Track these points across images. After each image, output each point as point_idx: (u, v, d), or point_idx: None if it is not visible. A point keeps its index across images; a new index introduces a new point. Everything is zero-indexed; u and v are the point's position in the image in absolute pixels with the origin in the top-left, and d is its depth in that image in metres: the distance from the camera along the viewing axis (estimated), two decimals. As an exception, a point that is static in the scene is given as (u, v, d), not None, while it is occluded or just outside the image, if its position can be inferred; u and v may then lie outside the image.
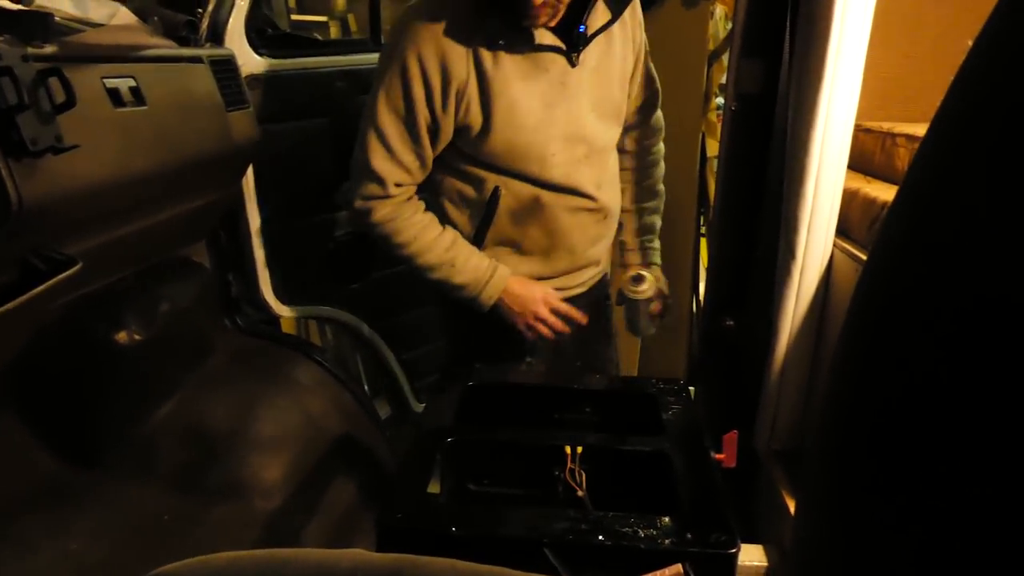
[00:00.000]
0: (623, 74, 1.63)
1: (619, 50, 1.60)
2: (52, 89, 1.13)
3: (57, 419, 1.50)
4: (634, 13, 1.63)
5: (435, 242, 1.56)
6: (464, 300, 1.60)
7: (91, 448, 1.54)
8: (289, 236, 2.01)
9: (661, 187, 1.85)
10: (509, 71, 1.45)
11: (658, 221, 1.86)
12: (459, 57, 1.42)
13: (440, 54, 1.41)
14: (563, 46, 1.48)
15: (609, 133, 1.64)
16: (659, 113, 1.81)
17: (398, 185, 1.52)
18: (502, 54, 1.44)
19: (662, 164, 1.85)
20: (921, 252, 0.45)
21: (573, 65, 1.50)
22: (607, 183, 1.66)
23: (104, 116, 1.26)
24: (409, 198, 1.56)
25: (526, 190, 1.55)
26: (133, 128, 1.33)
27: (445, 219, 1.61)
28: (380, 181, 1.50)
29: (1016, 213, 0.39)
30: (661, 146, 1.84)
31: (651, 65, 1.73)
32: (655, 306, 1.77)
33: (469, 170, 1.55)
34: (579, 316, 1.66)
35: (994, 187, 0.40)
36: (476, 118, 1.46)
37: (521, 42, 1.44)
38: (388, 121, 1.46)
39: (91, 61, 1.27)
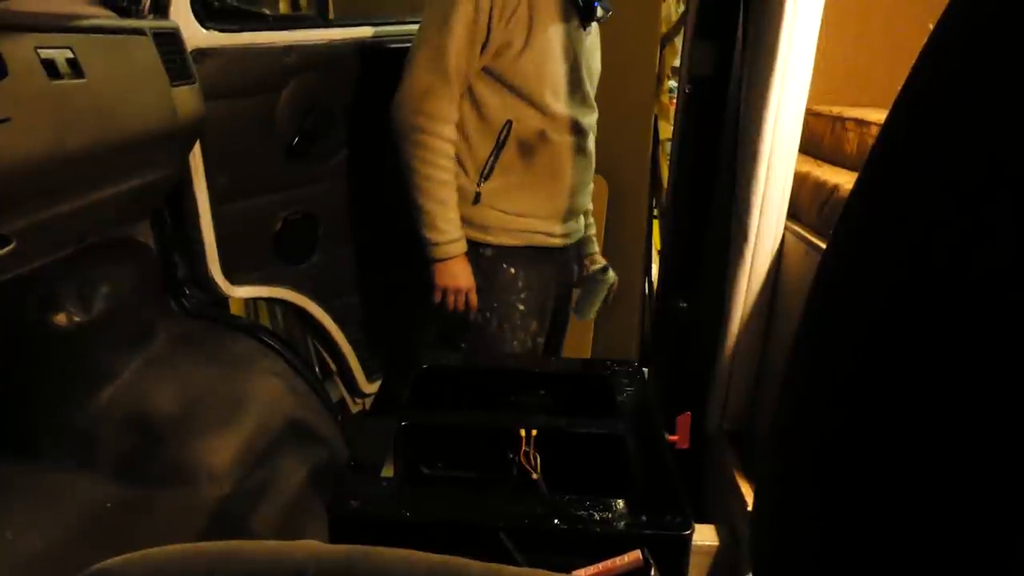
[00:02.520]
0: (597, 71, 1.94)
1: (593, 53, 1.91)
2: (-19, 59, 1.07)
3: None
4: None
5: (450, 182, 1.76)
6: (421, 239, 1.78)
7: (26, 435, 1.48)
8: (237, 215, 1.96)
9: None
10: (550, 8, 1.74)
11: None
12: None
13: None
14: (581, 7, 1.79)
15: (594, 103, 1.92)
16: None
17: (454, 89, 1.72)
18: None
19: None
20: (880, 241, 0.45)
21: (584, 29, 1.83)
22: (593, 135, 1.92)
23: (38, 88, 1.19)
24: (454, 126, 1.76)
25: (534, 123, 1.78)
26: (70, 102, 1.27)
27: (457, 150, 1.79)
28: (448, 78, 1.70)
29: (975, 198, 0.39)
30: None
31: None
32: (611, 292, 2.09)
33: (487, 101, 1.77)
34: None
35: (951, 175, 0.40)
36: (520, 36, 1.71)
37: None
38: (460, 25, 1.67)
39: (24, 30, 1.20)
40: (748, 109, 1.58)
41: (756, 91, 1.54)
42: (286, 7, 3.06)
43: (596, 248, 2.18)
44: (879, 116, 1.70)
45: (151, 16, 1.65)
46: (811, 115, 1.81)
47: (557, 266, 1.98)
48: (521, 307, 1.88)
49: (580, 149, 1.87)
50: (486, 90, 1.76)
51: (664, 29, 2.73)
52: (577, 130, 1.84)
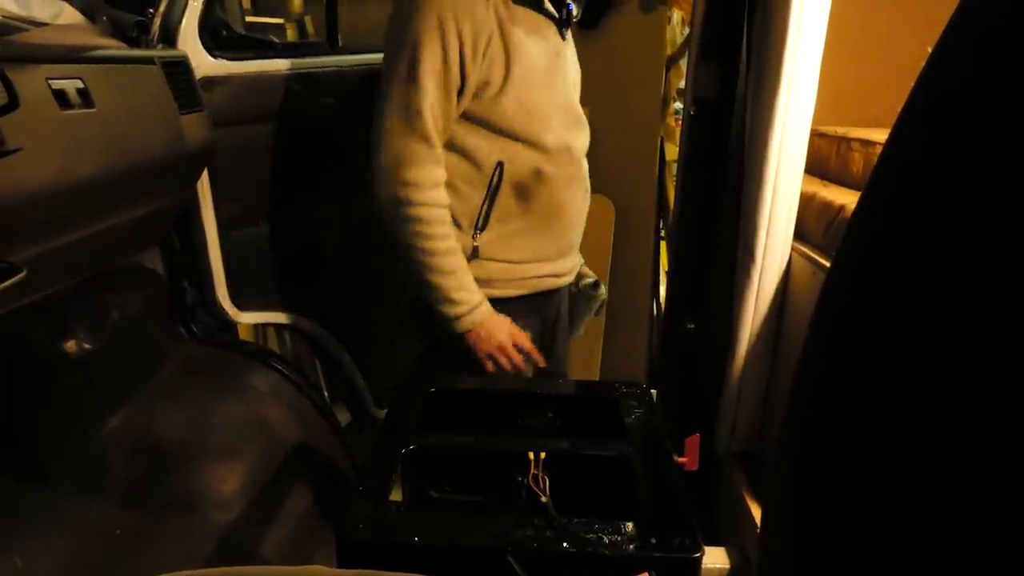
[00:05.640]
0: (578, 79, 1.79)
1: (573, 60, 1.76)
2: (-6, 90, 1.09)
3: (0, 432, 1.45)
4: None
5: (454, 248, 1.58)
6: (441, 314, 1.60)
7: (36, 461, 1.48)
8: (245, 241, 1.97)
9: None
10: (523, 30, 1.56)
11: None
12: (484, 13, 1.51)
13: (471, 9, 1.49)
14: (558, 16, 1.63)
15: (584, 119, 1.76)
16: None
17: (436, 150, 1.55)
18: (517, 13, 1.55)
19: None
20: (883, 260, 0.45)
21: (563, 39, 1.67)
22: (585, 158, 1.76)
23: (50, 118, 1.21)
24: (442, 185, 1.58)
25: (528, 161, 1.61)
26: (81, 131, 1.29)
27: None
28: (427, 140, 1.52)
29: (975, 221, 0.39)
30: None
31: None
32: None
33: (472, 146, 1.59)
34: (539, 357, 1.72)
35: (954, 196, 0.40)
36: (499, 72, 1.53)
37: (531, 3, 1.58)
38: (429, 77, 1.48)
39: (36, 61, 1.22)
40: (753, 130, 1.59)
41: (761, 112, 1.55)
42: (293, 34, 3.10)
43: (582, 259, 1.98)
44: (884, 136, 1.70)
45: (160, 45, 1.68)
46: (816, 136, 1.82)
47: (555, 301, 1.86)
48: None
49: (578, 178, 1.72)
50: (469, 135, 1.58)
51: (669, 51, 2.75)
52: (573, 158, 1.69)
